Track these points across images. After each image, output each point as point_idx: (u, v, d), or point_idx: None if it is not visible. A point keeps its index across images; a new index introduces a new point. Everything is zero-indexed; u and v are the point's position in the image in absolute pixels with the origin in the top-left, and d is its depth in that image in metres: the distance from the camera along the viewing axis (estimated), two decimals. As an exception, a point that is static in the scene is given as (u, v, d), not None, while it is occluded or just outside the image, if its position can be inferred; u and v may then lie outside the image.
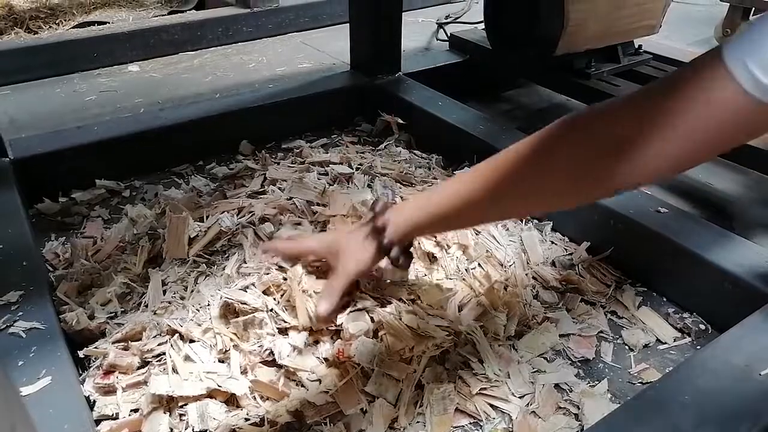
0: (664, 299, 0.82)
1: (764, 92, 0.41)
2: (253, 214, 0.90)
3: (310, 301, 0.71)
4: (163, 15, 2.18)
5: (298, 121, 1.26)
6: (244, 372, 0.66)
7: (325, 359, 0.68)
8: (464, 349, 0.71)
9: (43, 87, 1.65)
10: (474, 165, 0.62)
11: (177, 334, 0.69)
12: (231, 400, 0.65)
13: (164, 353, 0.67)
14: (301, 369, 0.66)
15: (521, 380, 0.68)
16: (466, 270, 0.83)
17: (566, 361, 0.73)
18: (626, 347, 0.75)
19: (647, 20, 1.36)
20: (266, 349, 0.68)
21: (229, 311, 0.71)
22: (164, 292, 0.77)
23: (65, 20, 2.15)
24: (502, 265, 0.85)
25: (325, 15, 2.16)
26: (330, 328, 0.71)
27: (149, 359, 0.68)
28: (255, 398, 0.64)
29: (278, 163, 1.10)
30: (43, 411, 0.57)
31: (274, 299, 0.72)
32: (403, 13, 1.33)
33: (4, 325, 0.66)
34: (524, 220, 0.94)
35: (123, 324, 0.72)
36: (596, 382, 0.70)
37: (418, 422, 0.63)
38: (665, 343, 0.76)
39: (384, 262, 0.72)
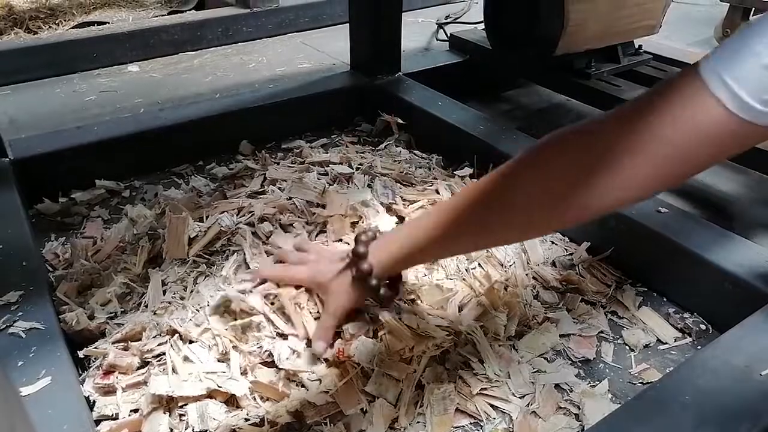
0: (665, 299, 0.82)
1: (741, 106, 0.41)
2: (253, 214, 0.90)
3: (304, 311, 0.71)
4: (162, 15, 2.18)
5: (298, 121, 1.26)
6: (244, 373, 0.66)
7: (325, 359, 0.68)
8: (464, 349, 0.71)
9: (43, 87, 1.65)
10: (469, 175, 0.61)
11: (177, 335, 0.69)
12: (231, 401, 0.64)
13: (164, 353, 0.67)
14: (301, 370, 0.66)
15: (521, 380, 0.68)
16: (466, 270, 0.83)
17: (567, 362, 0.72)
18: (627, 347, 0.75)
19: (647, 20, 1.36)
20: (266, 351, 0.68)
21: (227, 312, 0.71)
22: (164, 292, 0.77)
23: (65, 20, 2.15)
24: (502, 265, 0.85)
25: (325, 15, 2.16)
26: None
27: (149, 359, 0.68)
28: (255, 399, 0.64)
29: (278, 163, 1.10)
30: (42, 411, 0.56)
31: (272, 303, 0.72)
32: (402, 14, 1.33)
33: (4, 326, 0.66)
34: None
35: (123, 324, 0.72)
36: (597, 383, 0.70)
37: (418, 422, 0.63)
38: (666, 343, 0.76)
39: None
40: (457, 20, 2.11)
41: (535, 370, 0.70)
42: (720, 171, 1.23)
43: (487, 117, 1.18)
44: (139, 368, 0.68)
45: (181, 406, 0.63)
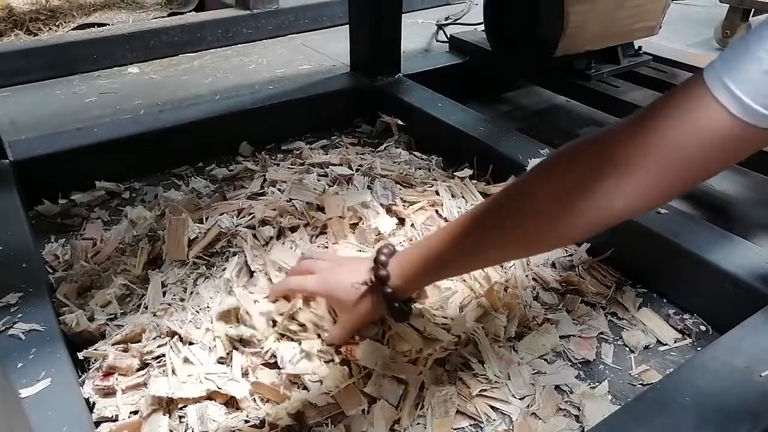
0: (665, 300, 0.82)
1: (744, 110, 0.41)
2: (253, 215, 0.90)
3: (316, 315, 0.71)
4: (162, 17, 2.18)
5: (298, 122, 1.26)
6: (245, 374, 0.66)
7: (327, 361, 0.68)
8: (465, 350, 0.71)
9: (43, 89, 1.65)
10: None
11: (177, 336, 0.69)
12: (231, 402, 0.64)
13: (164, 355, 0.67)
14: (303, 372, 0.66)
15: (521, 382, 0.68)
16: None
17: (566, 363, 0.72)
18: (627, 348, 0.75)
19: (647, 21, 1.36)
20: (267, 351, 0.68)
21: (234, 319, 0.71)
22: (164, 293, 0.77)
23: (65, 22, 2.15)
24: (501, 266, 0.85)
25: (324, 17, 2.16)
26: None
27: (149, 361, 0.68)
28: (255, 400, 0.64)
29: (278, 165, 1.10)
30: (42, 413, 0.56)
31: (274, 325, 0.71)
32: (402, 15, 1.33)
33: (4, 327, 0.66)
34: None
35: (123, 326, 0.72)
36: (597, 384, 0.70)
37: (418, 424, 0.63)
38: (666, 344, 0.76)
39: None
40: (457, 21, 2.12)
41: (535, 371, 0.70)
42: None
43: (487, 118, 1.18)
44: (138, 370, 0.68)
45: (181, 408, 0.63)
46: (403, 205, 0.95)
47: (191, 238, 0.84)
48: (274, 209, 0.92)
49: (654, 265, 0.84)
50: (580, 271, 0.85)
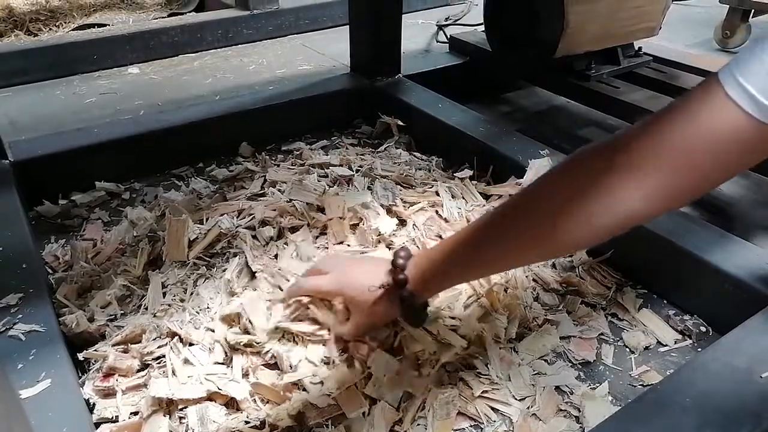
0: (665, 301, 0.82)
1: (757, 108, 0.40)
2: (253, 216, 0.90)
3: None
4: (162, 17, 2.18)
5: (298, 123, 1.26)
6: (245, 375, 0.66)
7: (327, 363, 0.68)
8: (467, 350, 0.71)
9: (43, 89, 1.65)
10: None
11: (177, 337, 0.69)
12: (231, 403, 0.64)
13: (164, 356, 0.67)
14: (305, 375, 0.66)
15: (522, 382, 0.68)
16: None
17: (567, 364, 0.72)
18: (627, 349, 0.75)
19: (647, 22, 1.36)
20: (267, 352, 0.68)
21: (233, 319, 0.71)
22: (164, 294, 0.77)
23: (65, 22, 2.15)
24: (502, 267, 0.84)
25: (324, 17, 2.16)
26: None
27: (149, 362, 0.68)
28: (255, 401, 0.64)
29: (278, 165, 1.10)
30: (42, 414, 0.56)
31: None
32: (402, 15, 1.33)
33: (4, 328, 0.66)
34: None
35: (123, 326, 0.72)
36: (597, 385, 0.70)
37: (419, 425, 0.63)
38: (666, 345, 0.76)
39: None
40: (457, 22, 2.12)
41: (536, 372, 0.70)
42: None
43: (487, 119, 1.18)
44: (139, 371, 0.68)
45: (181, 409, 0.63)
46: (404, 206, 0.95)
47: (191, 239, 0.84)
48: (275, 210, 0.92)
49: (654, 266, 0.83)
50: (580, 272, 0.85)
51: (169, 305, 0.75)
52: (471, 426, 0.65)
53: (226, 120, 1.17)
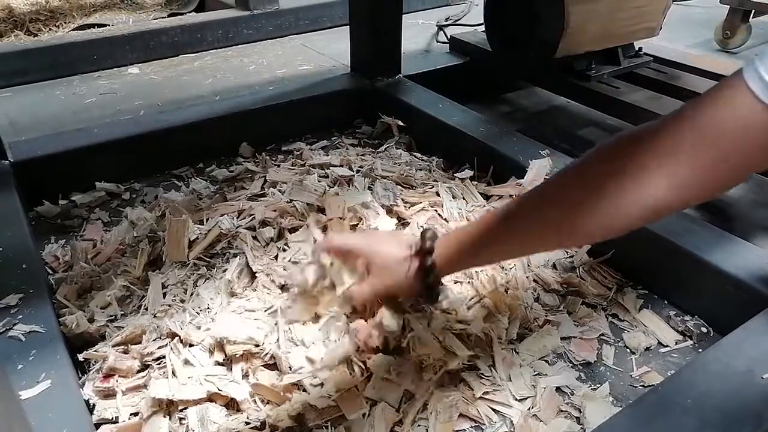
0: (666, 302, 0.82)
1: None
2: (254, 216, 0.90)
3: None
4: (163, 17, 2.18)
5: (298, 123, 1.26)
6: (245, 376, 0.66)
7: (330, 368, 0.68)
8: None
9: (43, 89, 1.65)
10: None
11: (177, 338, 0.69)
12: (231, 404, 0.64)
13: (164, 356, 0.67)
14: (305, 376, 0.66)
15: (522, 383, 0.68)
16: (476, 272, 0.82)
17: (567, 364, 0.72)
18: (628, 350, 0.75)
19: (647, 22, 1.36)
20: (267, 353, 0.67)
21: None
22: (164, 295, 0.77)
23: (65, 23, 2.15)
24: (503, 267, 0.84)
25: (325, 17, 2.16)
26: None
27: (149, 362, 0.68)
28: (255, 402, 0.64)
29: (278, 166, 1.10)
30: (42, 415, 0.56)
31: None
32: (403, 16, 1.33)
33: (4, 329, 0.66)
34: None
35: (123, 327, 0.72)
36: (598, 385, 0.70)
37: (419, 426, 0.63)
38: (667, 346, 0.76)
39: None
40: (458, 22, 2.12)
41: (536, 373, 0.70)
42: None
43: (488, 119, 1.18)
44: (139, 371, 0.67)
45: (182, 410, 0.63)
46: (404, 206, 0.95)
47: (191, 240, 0.84)
48: (275, 210, 0.92)
49: (655, 267, 0.83)
50: (580, 273, 0.85)
51: (170, 306, 0.75)
52: (472, 427, 0.64)
53: (226, 120, 1.17)
